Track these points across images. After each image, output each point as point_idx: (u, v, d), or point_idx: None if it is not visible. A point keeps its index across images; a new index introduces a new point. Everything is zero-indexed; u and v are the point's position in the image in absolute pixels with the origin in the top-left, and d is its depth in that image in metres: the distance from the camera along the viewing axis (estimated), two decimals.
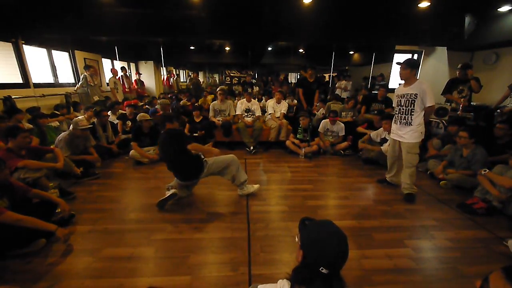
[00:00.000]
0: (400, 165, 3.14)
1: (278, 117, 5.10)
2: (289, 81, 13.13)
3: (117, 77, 7.19)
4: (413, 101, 2.76)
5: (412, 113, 2.79)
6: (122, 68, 7.95)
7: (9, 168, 2.29)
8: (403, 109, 2.86)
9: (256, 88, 9.00)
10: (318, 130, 4.79)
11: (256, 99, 6.11)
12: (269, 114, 5.23)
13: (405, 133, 2.87)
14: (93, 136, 4.00)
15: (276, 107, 5.18)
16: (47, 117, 4.20)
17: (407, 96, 2.79)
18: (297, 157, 4.48)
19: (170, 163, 2.77)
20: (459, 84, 4.42)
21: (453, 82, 4.53)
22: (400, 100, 2.87)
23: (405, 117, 2.85)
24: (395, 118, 2.99)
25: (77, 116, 4.07)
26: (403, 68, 2.80)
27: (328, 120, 4.75)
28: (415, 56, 6.90)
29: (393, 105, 3.20)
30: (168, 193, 2.69)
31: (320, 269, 0.85)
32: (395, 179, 3.28)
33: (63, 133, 3.48)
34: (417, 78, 2.80)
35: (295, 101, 6.08)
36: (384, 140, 4.08)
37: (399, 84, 3.03)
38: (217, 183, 3.35)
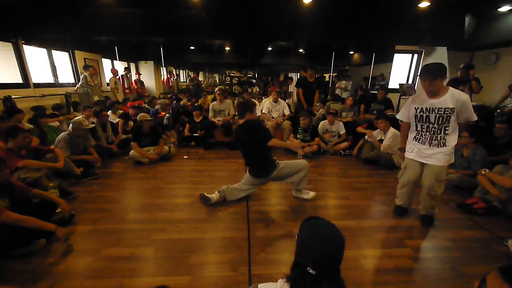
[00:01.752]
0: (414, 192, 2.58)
1: (274, 118, 5.09)
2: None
3: (117, 77, 7.19)
4: (448, 117, 2.16)
5: (447, 132, 2.20)
6: (125, 68, 7.96)
7: (9, 168, 2.30)
8: (433, 127, 2.23)
9: (256, 88, 9.01)
10: (318, 132, 4.79)
11: (256, 99, 6.11)
12: (262, 113, 5.15)
13: (435, 154, 2.27)
14: (93, 136, 4.00)
15: (273, 107, 5.16)
16: (48, 117, 4.19)
17: (439, 111, 2.16)
18: (296, 157, 4.47)
19: (247, 155, 2.65)
20: (460, 84, 4.42)
21: (453, 82, 4.53)
22: (428, 116, 2.23)
23: (436, 137, 2.24)
24: (419, 137, 2.36)
25: (77, 116, 4.07)
26: (430, 80, 2.09)
27: (326, 121, 4.75)
28: (415, 56, 6.90)
29: (409, 120, 2.42)
30: (214, 196, 2.72)
31: (307, 269, 0.85)
32: (409, 202, 2.66)
33: (63, 133, 3.48)
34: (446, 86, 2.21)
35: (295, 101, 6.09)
36: (381, 141, 4.09)
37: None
38: (217, 183, 3.35)
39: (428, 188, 2.36)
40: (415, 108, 2.30)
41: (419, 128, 2.34)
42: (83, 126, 3.46)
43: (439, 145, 2.26)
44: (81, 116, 3.93)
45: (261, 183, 2.80)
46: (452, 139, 2.23)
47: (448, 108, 2.13)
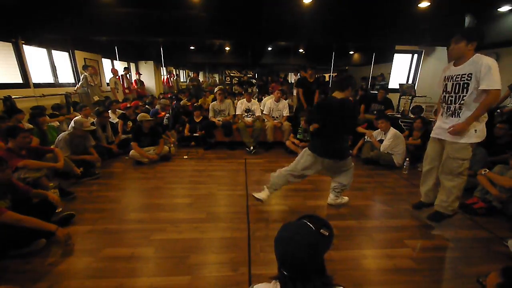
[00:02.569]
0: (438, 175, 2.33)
1: (275, 118, 5.08)
2: (289, 81, 13.13)
3: (117, 77, 7.19)
4: (465, 85, 1.94)
5: (462, 102, 1.98)
6: (125, 68, 7.96)
7: (10, 168, 2.29)
8: (450, 96, 2.05)
9: (255, 88, 9.01)
10: None
11: (256, 99, 6.10)
12: (263, 114, 5.12)
13: (449, 128, 2.07)
14: (93, 136, 4.00)
15: (274, 107, 5.15)
16: (46, 116, 4.18)
17: (456, 78, 1.99)
18: (296, 157, 4.47)
19: (335, 131, 2.44)
20: None
21: None
22: (446, 85, 2.09)
23: (450, 107, 2.05)
24: (441, 110, 2.22)
25: (77, 116, 4.07)
26: (455, 42, 1.95)
27: None
28: (415, 56, 6.90)
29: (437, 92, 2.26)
30: (263, 195, 2.65)
31: (281, 269, 0.88)
32: (432, 195, 2.43)
33: (63, 133, 3.48)
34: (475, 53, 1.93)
35: (295, 101, 6.08)
36: (381, 142, 4.09)
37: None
38: (217, 183, 3.36)
39: (444, 167, 2.14)
40: (441, 79, 2.16)
41: (441, 100, 2.18)
42: (84, 127, 3.46)
43: (454, 115, 2.04)
44: (80, 116, 3.92)
45: (318, 170, 2.65)
46: (468, 111, 1.95)
47: (465, 74, 1.91)
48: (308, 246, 0.84)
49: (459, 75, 1.97)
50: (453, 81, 2.03)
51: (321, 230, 0.89)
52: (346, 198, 2.88)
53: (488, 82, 1.83)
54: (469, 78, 1.92)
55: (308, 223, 0.90)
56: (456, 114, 2.04)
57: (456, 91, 2.01)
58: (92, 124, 4.12)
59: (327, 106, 2.46)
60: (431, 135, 2.35)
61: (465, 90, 1.96)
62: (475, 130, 1.98)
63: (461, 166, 2.09)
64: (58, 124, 4.43)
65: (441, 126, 2.17)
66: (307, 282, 0.85)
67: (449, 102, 2.08)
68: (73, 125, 3.47)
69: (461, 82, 1.96)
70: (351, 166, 2.71)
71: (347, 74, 3.28)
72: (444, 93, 2.12)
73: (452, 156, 2.09)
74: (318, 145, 2.51)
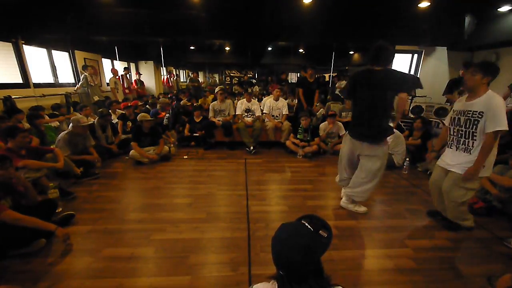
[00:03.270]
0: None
1: (275, 116, 5.08)
2: (289, 81, 13.14)
3: (117, 77, 7.20)
4: (475, 122, 2.01)
5: (474, 138, 2.05)
6: (125, 68, 7.96)
7: (13, 167, 2.30)
8: (462, 130, 2.12)
9: (256, 88, 9.00)
10: (320, 134, 4.77)
11: (256, 99, 6.10)
12: (264, 113, 5.11)
13: (462, 162, 2.12)
14: (92, 136, 4.01)
15: (274, 105, 5.15)
16: (43, 117, 4.18)
17: (468, 113, 2.06)
18: (296, 157, 4.48)
19: (368, 111, 2.30)
20: (461, 85, 4.41)
21: (454, 82, 4.52)
22: (459, 119, 2.14)
23: (464, 141, 2.12)
24: (449, 142, 2.27)
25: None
26: (471, 73, 2.00)
27: (327, 122, 4.75)
28: (415, 56, 6.89)
29: (445, 123, 2.35)
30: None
31: (277, 269, 0.89)
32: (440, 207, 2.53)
33: (62, 133, 3.48)
34: (488, 89, 2.02)
35: (295, 101, 6.07)
36: None
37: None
38: (217, 183, 3.36)
39: (446, 193, 2.25)
40: (453, 110, 2.23)
41: (451, 132, 2.24)
42: (81, 123, 3.44)
43: (465, 151, 2.11)
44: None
45: (354, 158, 2.53)
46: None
47: (477, 112, 1.99)
48: (304, 247, 0.84)
49: (471, 111, 2.04)
50: (465, 115, 2.09)
51: (320, 232, 0.88)
52: (363, 208, 2.66)
53: (498, 123, 1.90)
54: (480, 116, 1.99)
55: (306, 224, 0.90)
56: (468, 150, 2.10)
57: (467, 126, 2.08)
58: (92, 124, 4.13)
59: (371, 81, 2.25)
60: (437, 163, 2.40)
61: (475, 126, 2.03)
62: (483, 166, 2.05)
63: (465, 195, 2.17)
64: (58, 124, 4.44)
65: (452, 161, 2.22)
66: (303, 282, 0.84)
67: (460, 135, 2.15)
68: (71, 125, 3.47)
69: (472, 119, 2.04)
70: (381, 165, 2.42)
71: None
72: (458, 126, 2.17)
73: (459, 185, 2.15)
74: (362, 127, 2.38)
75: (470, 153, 2.09)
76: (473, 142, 2.07)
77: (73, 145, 3.48)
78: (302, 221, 0.92)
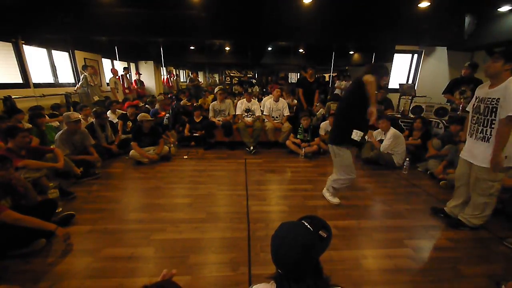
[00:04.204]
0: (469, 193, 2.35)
1: (275, 118, 5.07)
2: (289, 81, 13.14)
3: (117, 77, 7.20)
4: (494, 109, 1.98)
5: (493, 126, 2.02)
6: (125, 68, 7.96)
7: (13, 168, 2.30)
8: (481, 118, 2.09)
9: (256, 88, 9.00)
10: (319, 133, 4.78)
11: (256, 99, 6.10)
12: (263, 114, 5.09)
13: (480, 152, 2.11)
14: (92, 136, 4.01)
15: (274, 106, 5.14)
16: (45, 116, 4.18)
17: (487, 101, 2.04)
18: (297, 157, 4.48)
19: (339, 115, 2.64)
20: (462, 85, 4.40)
21: (455, 82, 4.52)
22: (479, 106, 2.11)
23: (482, 129, 2.08)
24: (470, 130, 2.24)
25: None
26: (493, 60, 1.99)
27: (327, 122, 4.75)
28: (415, 56, 6.90)
29: (468, 110, 2.32)
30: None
31: (276, 268, 0.90)
32: (457, 211, 2.48)
33: (59, 132, 3.46)
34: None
35: (295, 101, 6.08)
36: (381, 142, 4.09)
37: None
38: (217, 183, 3.36)
39: (474, 187, 2.22)
40: (475, 97, 2.20)
41: (472, 121, 2.21)
42: (71, 119, 3.40)
43: (484, 140, 2.07)
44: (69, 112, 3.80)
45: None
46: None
47: (495, 99, 1.97)
48: (302, 246, 0.84)
49: (490, 98, 2.03)
50: (484, 103, 2.07)
51: (320, 232, 0.89)
52: (336, 199, 2.87)
53: (506, 110, 1.88)
54: (497, 103, 1.96)
55: (306, 224, 0.90)
56: (486, 139, 2.07)
57: (486, 114, 2.05)
58: (91, 124, 4.14)
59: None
60: (460, 155, 2.39)
61: (493, 114, 2.00)
62: (506, 156, 2.00)
63: (492, 187, 2.14)
64: (58, 124, 4.44)
65: (471, 150, 2.21)
66: (301, 281, 0.84)
67: (480, 123, 2.12)
68: (63, 121, 3.45)
69: (490, 106, 2.02)
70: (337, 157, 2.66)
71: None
72: (478, 114, 2.14)
73: (481, 177, 2.14)
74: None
75: (488, 142, 2.05)
76: (491, 131, 2.03)
77: (70, 144, 3.46)
78: (303, 221, 0.92)
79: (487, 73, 2.07)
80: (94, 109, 4.41)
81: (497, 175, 2.09)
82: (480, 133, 2.11)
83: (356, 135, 2.43)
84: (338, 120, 2.71)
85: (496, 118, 1.99)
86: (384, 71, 2.48)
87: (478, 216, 2.29)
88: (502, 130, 1.94)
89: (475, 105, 2.18)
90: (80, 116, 3.61)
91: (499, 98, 1.94)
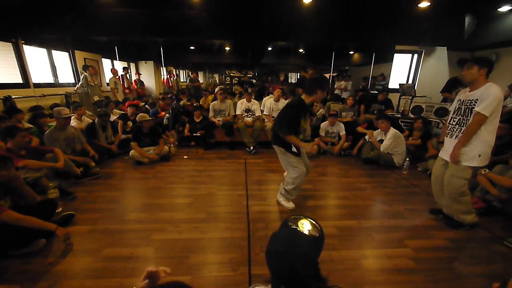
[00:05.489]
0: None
1: (275, 118, 5.04)
2: (290, 81, 13.14)
3: (117, 77, 7.19)
4: (472, 110, 2.09)
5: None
6: (124, 68, 7.96)
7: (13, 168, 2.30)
8: (462, 119, 2.19)
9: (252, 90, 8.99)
10: (319, 133, 4.77)
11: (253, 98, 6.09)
12: (264, 114, 5.09)
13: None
14: (93, 135, 4.01)
15: (274, 106, 5.13)
16: (47, 117, 4.18)
17: (467, 102, 2.15)
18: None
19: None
20: (459, 85, 4.41)
21: (453, 82, 4.52)
22: (461, 108, 2.21)
23: (461, 129, 2.19)
24: (449, 130, 2.33)
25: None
26: (467, 68, 2.10)
27: (327, 122, 4.75)
28: (415, 56, 6.89)
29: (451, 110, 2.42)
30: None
31: (277, 282, 0.85)
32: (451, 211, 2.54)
33: (47, 131, 3.39)
34: (488, 80, 2.11)
35: None
36: (381, 142, 4.09)
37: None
38: (217, 183, 3.36)
39: (445, 185, 2.32)
40: (457, 100, 2.29)
41: (451, 122, 2.31)
42: (62, 115, 3.35)
43: (457, 138, 2.21)
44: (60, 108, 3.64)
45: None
46: (475, 136, 2.08)
47: (473, 100, 2.08)
48: (305, 256, 0.80)
49: (470, 100, 2.14)
50: (465, 105, 2.18)
51: (312, 232, 0.84)
52: (291, 204, 2.76)
53: (483, 107, 2.00)
54: (475, 103, 2.07)
55: (297, 229, 0.84)
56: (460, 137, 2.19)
57: (466, 115, 2.16)
58: (93, 124, 4.13)
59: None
60: (439, 155, 2.48)
61: (470, 114, 2.12)
62: (479, 155, 2.11)
63: (464, 186, 2.24)
64: None
65: (449, 150, 2.27)
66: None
67: (459, 123, 2.23)
68: (54, 115, 3.40)
69: (470, 107, 2.12)
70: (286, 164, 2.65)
71: (318, 75, 3.21)
72: (460, 116, 2.23)
73: (455, 175, 2.23)
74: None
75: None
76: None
77: (62, 140, 3.40)
78: (292, 226, 0.86)
79: (465, 81, 2.19)
80: (99, 109, 4.40)
81: (467, 172, 2.20)
82: (460, 133, 2.20)
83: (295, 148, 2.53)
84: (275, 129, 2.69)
85: (472, 119, 2.10)
86: (317, 86, 2.43)
87: (466, 213, 2.35)
88: (470, 124, 2.10)
89: (456, 107, 2.28)
90: (73, 114, 3.54)
91: (477, 99, 2.06)
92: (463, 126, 2.18)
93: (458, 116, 2.23)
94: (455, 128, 2.26)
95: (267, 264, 0.85)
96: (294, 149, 2.56)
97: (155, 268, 0.91)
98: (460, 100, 2.24)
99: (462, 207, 2.33)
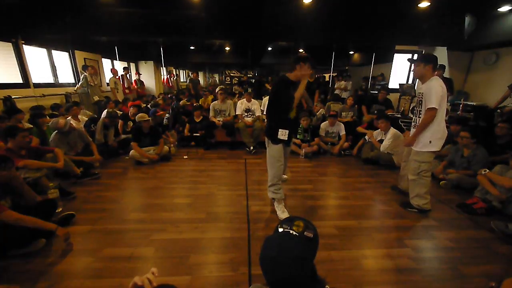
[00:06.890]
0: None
1: None
2: None
3: (117, 77, 7.20)
4: (421, 102, 2.44)
5: (420, 116, 2.48)
6: (124, 68, 7.96)
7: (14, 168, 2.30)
8: (416, 110, 2.55)
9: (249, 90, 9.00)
10: (319, 133, 4.77)
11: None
12: (264, 114, 5.07)
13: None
14: (92, 136, 4.00)
15: None
16: (46, 117, 4.17)
17: (419, 95, 2.48)
18: (297, 157, 4.48)
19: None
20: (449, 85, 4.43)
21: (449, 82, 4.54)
22: (417, 100, 2.56)
23: (417, 120, 2.51)
24: (413, 121, 2.67)
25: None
26: (416, 65, 2.43)
27: (327, 122, 4.75)
28: (415, 56, 6.90)
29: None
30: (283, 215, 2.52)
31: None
32: (405, 186, 2.94)
33: (53, 133, 3.44)
34: (435, 74, 2.39)
35: None
36: (381, 142, 4.09)
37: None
38: (217, 183, 3.36)
39: (407, 167, 2.73)
40: (418, 93, 2.58)
41: (416, 114, 2.59)
42: (59, 125, 3.36)
43: (414, 127, 2.54)
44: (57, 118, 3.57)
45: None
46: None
47: (421, 93, 2.42)
48: (299, 259, 0.78)
49: (420, 93, 2.48)
50: (418, 97, 2.52)
51: (305, 233, 0.82)
52: (285, 215, 2.51)
53: (429, 101, 2.31)
54: (422, 96, 2.41)
55: (290, 231, 0.82)
56: (415, 126, 2.54)
57: (418, 106, 2.52)
58: (91, 123, 4.13)
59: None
60: None
61: (421, 106, 2.46)
62: (430, 141, 2.43)
63: (418, 168, 2.55)
64: None
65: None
66: None
67: (415, 114, 2.59)
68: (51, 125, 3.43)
69: (420, 99, 2.47)
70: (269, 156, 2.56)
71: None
72: (418, 107, 2.55)
73: (412, 158, 2.61)
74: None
75: (414, 128, 2.54)
76: (419, 119, 2.49)
77: (65, 144, 3.44)
78: (285, 229, 0.84)
79: (416, 76, 2.53)
80: (110, 110, 4.40)
81: (422, 157, 2.49)
82: (415, 122, 2.55)
83: (282, 134, 2.49)
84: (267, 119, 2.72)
85: (422, 109, 2.42)
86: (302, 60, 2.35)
87: (413, 198, 2.66)
88: (423, 118, 2.40)
89: (417, 101, 2.59)
90: (68, 118, 3.57)
91: (423, 92, 2.38)
92: (418, 117, 2.50)
93: (417, 108, 2.55)
94: (415, 119, 2.58)
95: (262, 270, 0.81)
96: (283, 136, 2.47)
97: (141, 282, 0.86)
98: (417, 94, 2.57)
99: (417, 189, 2.61)
